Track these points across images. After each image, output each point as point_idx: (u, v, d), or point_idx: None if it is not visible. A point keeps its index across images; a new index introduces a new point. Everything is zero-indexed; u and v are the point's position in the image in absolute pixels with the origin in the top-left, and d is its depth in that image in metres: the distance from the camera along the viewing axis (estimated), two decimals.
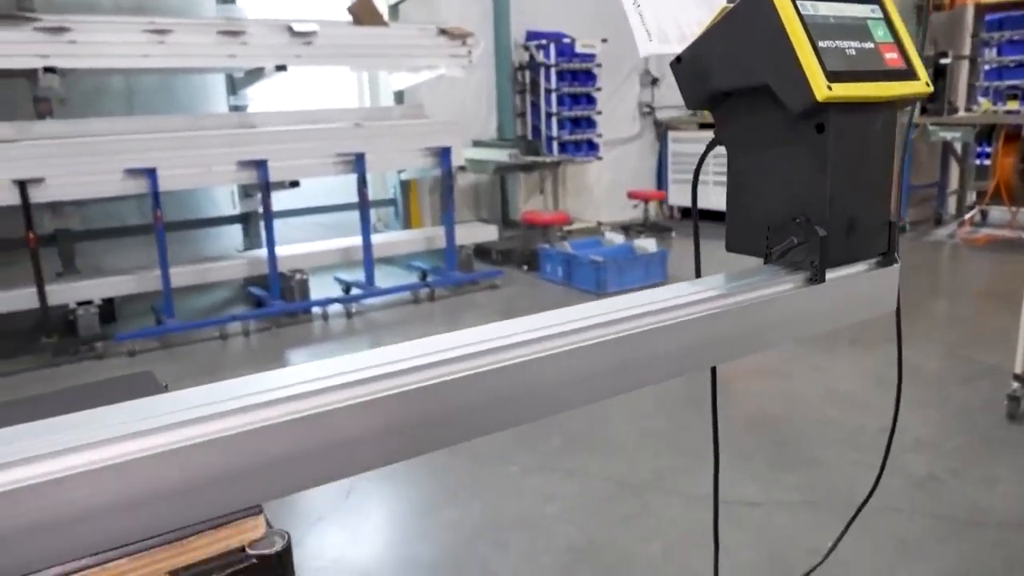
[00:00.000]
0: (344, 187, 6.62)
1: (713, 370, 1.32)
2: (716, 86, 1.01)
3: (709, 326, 0.88)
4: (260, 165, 4.98)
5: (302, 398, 0.62)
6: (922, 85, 1.00)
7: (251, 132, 5.10)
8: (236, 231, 6.49)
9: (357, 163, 5.31)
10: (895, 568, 2.36)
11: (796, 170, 0.97)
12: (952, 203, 8.14)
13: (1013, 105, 7.01)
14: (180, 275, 4.97)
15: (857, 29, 0.97)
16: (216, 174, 4.98)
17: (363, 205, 5.43)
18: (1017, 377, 3.38)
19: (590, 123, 7.60)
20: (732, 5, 0.97)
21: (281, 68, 5.10)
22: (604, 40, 7.44)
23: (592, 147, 7.67)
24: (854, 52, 0.94)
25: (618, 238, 6.43)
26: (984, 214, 7.81)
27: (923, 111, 7.52)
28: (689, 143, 8.61)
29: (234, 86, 5.91)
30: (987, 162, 7.60)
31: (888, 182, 1.03)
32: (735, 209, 1.06)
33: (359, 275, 5.77)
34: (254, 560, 0.58)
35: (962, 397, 3.56)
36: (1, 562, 0.52)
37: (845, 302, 1.02)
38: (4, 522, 0.51)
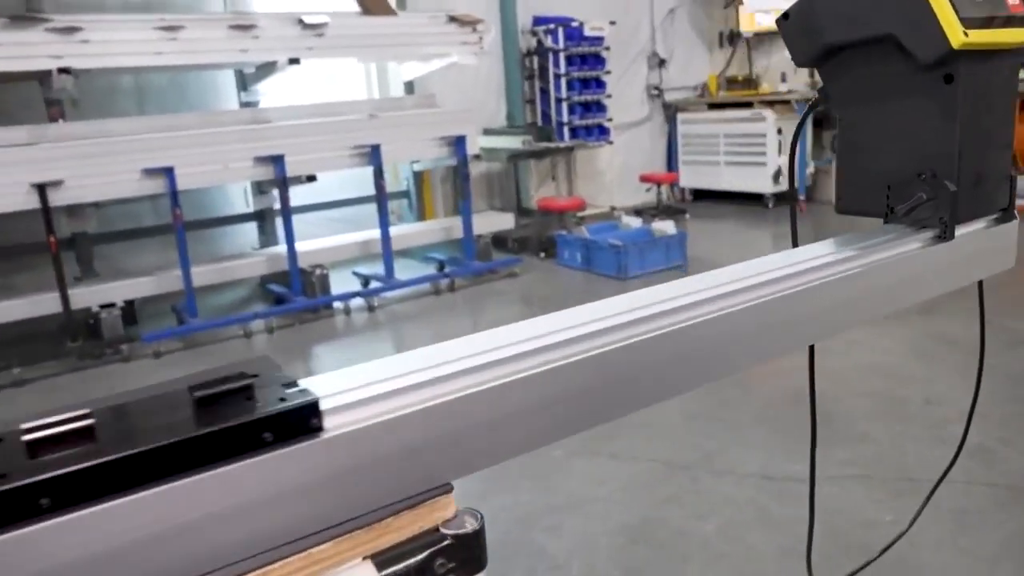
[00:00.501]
0: (354, 181, 6.58)
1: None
2: (829, 40, 0.98)
3: (848, 287, 0.85)
4: (277, 160, 4.94)
5: (484, 369, 0.59)
6: (1015, 33, 0.96)
7: (267, 127, 5.06)
8: (250, 229, 6.45)
9: (373, 155, 5.27)
10: (956, 537, 2.33)
11: (920, 124, 0.94)
12: None
13: None
14: (201, 274, 4.95)
15: None
16: (233, 171, 4.94)
17: (380, 197, 5.39)
18: None
19: (600, 107, 7.55)
20: None
21: (294, 61, 5.05)
22: (612, 22, 7.38)
23: (603, 131, 7.62)
24: None
25: (635, 222, 6.38)
26: None
27: None
28: (698, 124, 8.56)
29: (244, 82, 5.86)
30: None
31: (1011, 133, 1.00)
32: (849, 169, 1.03)
33: (376, 268, 5.74)
34: (451, 540, 0.55)
35: (1004, 366, 3.53)
36: (208, 552, 0.49)
37: (971, 259, 0.99)
38: (181, 518, 0.48)
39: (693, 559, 2.34)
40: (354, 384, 0.57)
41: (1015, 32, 0.91)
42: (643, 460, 2.98)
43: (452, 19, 5.88)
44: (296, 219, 5.91)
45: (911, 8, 0.87)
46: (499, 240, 6.60)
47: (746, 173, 8.10)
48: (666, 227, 6.04)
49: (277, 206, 5.82)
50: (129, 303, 4.99)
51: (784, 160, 7.87)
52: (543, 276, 6.02)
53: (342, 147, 5.24)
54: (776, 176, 7.86)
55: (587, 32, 7.21)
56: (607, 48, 7.44)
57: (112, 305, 4.73)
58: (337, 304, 5.38)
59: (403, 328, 5.13)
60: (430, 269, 6.13)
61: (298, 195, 5.91)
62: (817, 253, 0.88)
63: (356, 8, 5.71)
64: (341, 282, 5.65)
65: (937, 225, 0.94)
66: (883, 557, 1.65)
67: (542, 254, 6.49)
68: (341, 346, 4.85)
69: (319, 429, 0.52)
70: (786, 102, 7.80)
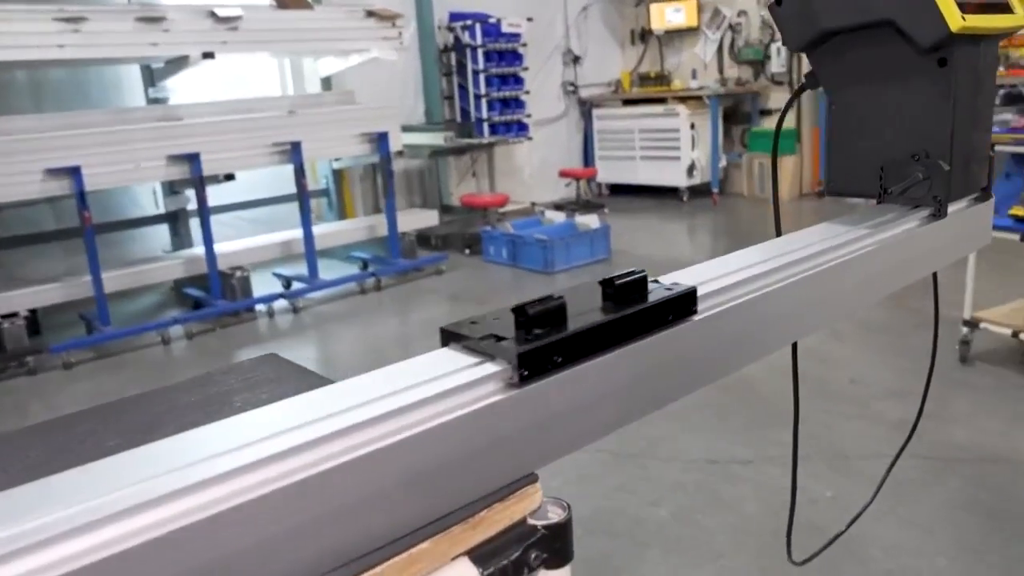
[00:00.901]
0: (266, 180, 6.38)
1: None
2: (825, 26, 0.99)
3: (867, 264, 0.87)
4: (193, 159, 4.73)
5: None
6: (1021, 18, 1.01)
7: (181, 125, 4.84)
8: (160, 231, 6.16)
9: (294, 152, 5.12)
10: (895, 508, 2.45)
11: (915, 106, 0.97)
12: None
13: None
14: (113, 279, 4.68)
15: None
16: (145, 170, 4.69)
17: (302, 196, 5.24)
18: (966, 323, 3.57)
19: (519, 104, 7.57)
20: None
21: (208, 55, 4.84)
22: (530, 19, 7.41)
23: (522, 127, 7.64)
24: None
25: (558, 216, 6.44)
26: None
27: None
28: (614, 120, 8.71)
29: (152, 77, 5.58)
30: None
31: (991, 116, 1.04)
32: (842, 151, 1.05)
33: (298, 269, 5.59)
34: (544, 532, 0.53)
35: (917, 345, 3.73)
36: (312, 550, 0.45)
37: (959, 236, 1.03)
38: (326, 504, 0.45)
39: (652, 545, 2.37)
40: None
41: (1002, 18, 0.96)
42: (589, 451, 2.99)
43: (370, 14, 5.77)
44: (230, 218, 5.73)
45: None
46: (422, 238, 6.53)
47: (661, 167, 8.30)
48: (589, 221, 6.12)
49: (191, 207, 5.61)
50: (33, 312, 4.68)
51: (696, 154, 8.09)
52: (470, 272, 5.99)
53: (261, 145, 5.07)
54: (690, 170, 8.08)
55: (505, 28, 7.21)
56: (524, 44, 7.47)
57: (15, 315, 4.42)
58: (260, 307, 5.20)
59: (330, 329, 5.01)
60: (353, 269, 6.01)
61: (211, 195, 5.68)
62: (826, 235, 0.89)
63: (270, 2, 5.53)
64: (261, 284, 5.46)
65: (931, 204, 0.97)
66: (833, 530, 1.72)
67: (467, 250, 6.46)
68: (268, 349, 4.68)
69: (695, 312, 0.68)
70: (698, 98, 8.03)
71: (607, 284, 0.65)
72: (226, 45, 4.99)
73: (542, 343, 0.56)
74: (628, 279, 0.65)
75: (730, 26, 8.29)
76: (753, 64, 8.21)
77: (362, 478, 0.45)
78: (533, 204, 8.00)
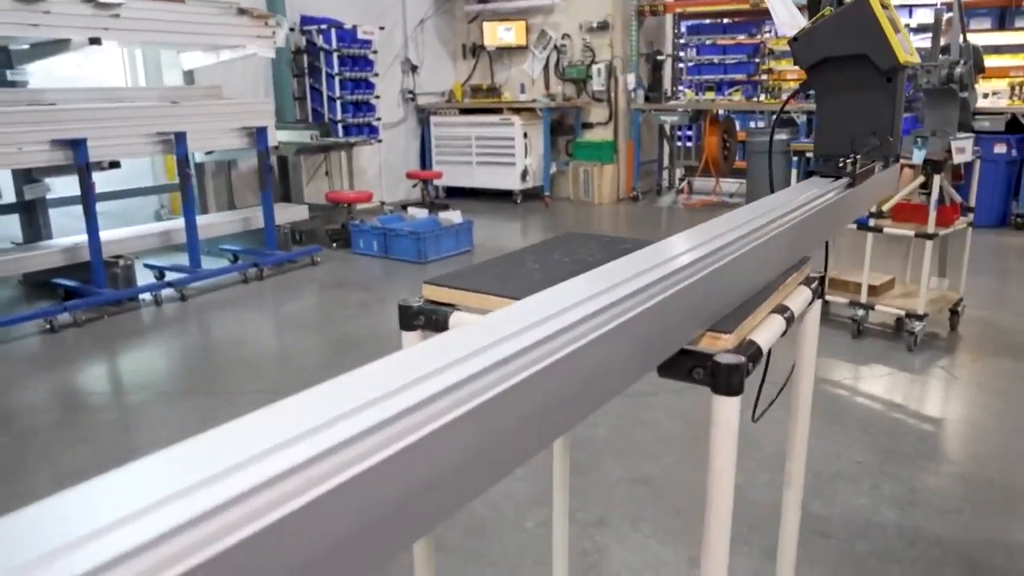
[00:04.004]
0: (115, 174, 6.28)
1: None
2: (823, 53, 1.69)
3: (862, 192, 1.56)
4: (78, 144, 4.69)
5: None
6: (916, 57, 1.77)
7: (66, 109, 4.76)
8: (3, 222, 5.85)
9: (178, 143, 5.19)
10: (821, 429, 3.27)
11: (872, 104, 1.68)
12: (666, 176, 9.85)
13: (710, 95, 8.77)
14: None
15: (896, 23, 1.71)
16: (28, 154, 4.58)
17: (185, 187, 5.32)
18: (861, 305, 4.49)
19: (370, 107, 7.96)
20: (840, 8, 1.66)
21: (95, 41, 4.81)
22: (382, 28, 7.84)
23: (372, 130, 8.03)
24: (900, 36, 1.68)
25: (420, 213, 6.92)
26: (691, 184, 9.60)
27: (646, 99, 9.05)
28: (451, 127, 9.33)
29: (10, 59, 5.34)
30: (689, 143, 9.40)
31: (901, 114, 1.79)
32: (826, 130, 1.75)
33: (170, 260, 5.61)
34: (818, 280, 1.15)
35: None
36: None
37: (890, 181, 1.77)
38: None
39: (604, 452, 3.00)
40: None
41: (913, 58, 1.70)
42: None
43: (242, 11, 5.94)
44: (61, 213, 5.62)
45: (877, 39, 1.61)
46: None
47: (497, 172, 9.05)
48: (452, 217, 6.68)
49: (50, 196, 5.48)
50: None
51: (529, 161, 8.94)
52: (344, 263, 6.31)
53: (145, 134, 5.09)
54: (524, 175, 8.90)
55: (360, 35, 7.59)
56: (375, 52, 7.88)
57: None
58: (146, 295, 5.20)
59: (225, 314, 5.14)
60: (223, 261, 6.10)
61: (65, 186, 5.54)
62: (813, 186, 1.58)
63: None
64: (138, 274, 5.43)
65: (882, 159, 1.70)
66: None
67: (334, 244, 6.76)
68: (166, 334, 4.76)
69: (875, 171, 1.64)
70: (531, 110, 8.88)
71: (850, 159, 1.53)
72: (107, 32, 4.98)
73: (859, 171, 1.51)
74: (853, 159, 1.49)
75: (555, 47, 9.25)
76: (576, 82, 9.23)
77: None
78: (382, 203, 8.41)
